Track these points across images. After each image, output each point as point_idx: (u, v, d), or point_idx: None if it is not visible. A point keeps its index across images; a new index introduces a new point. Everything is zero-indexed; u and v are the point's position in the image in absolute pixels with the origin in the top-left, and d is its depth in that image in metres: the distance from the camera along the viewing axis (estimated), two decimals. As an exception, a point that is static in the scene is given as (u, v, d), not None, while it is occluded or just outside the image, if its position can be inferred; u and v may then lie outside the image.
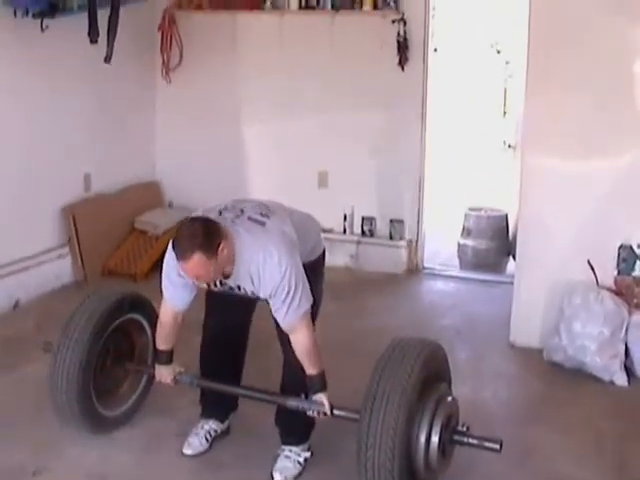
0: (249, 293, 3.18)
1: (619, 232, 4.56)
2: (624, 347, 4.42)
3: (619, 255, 4.55)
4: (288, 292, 3.04)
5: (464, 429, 3.10)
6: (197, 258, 2.89)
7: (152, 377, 3.59)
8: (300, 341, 3.14)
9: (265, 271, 3.03)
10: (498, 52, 11.69)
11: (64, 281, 5.74)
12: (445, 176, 8.82)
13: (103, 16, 5.53)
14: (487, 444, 3.04)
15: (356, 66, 6.18)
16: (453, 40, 9.68)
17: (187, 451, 3.56)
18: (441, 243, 6.99)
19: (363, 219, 6.40)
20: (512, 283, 4.99)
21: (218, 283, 3.18)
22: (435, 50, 6.44)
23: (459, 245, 6.79)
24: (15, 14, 5.06)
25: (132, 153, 6.58)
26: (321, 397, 3.17)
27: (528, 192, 4.75)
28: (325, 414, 3.17)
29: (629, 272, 4.56)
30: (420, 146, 6.18)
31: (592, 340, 4.37)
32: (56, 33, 5.31)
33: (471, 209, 6.85)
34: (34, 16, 5.13)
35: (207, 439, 3.60)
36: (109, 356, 3.57)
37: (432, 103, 6.31)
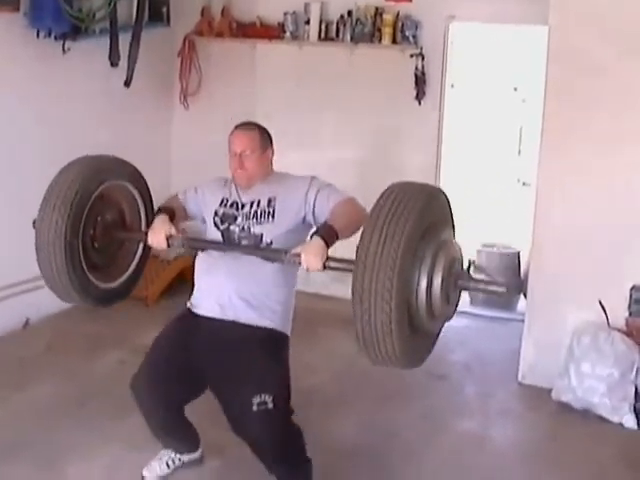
0: (261, 213, 3.23)
1: (631, 273, 4.54)
2: (634, 389, 4.38)
3: (631, 296, 4.53)
4: (321, 186, 3.18)
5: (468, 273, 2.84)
6: (254, 134, 3.36)
7: (147, 245, 3.35)
8: (347, 206, 3.09)
9: (290, 180, 3.28)
10: (515, 90, 11.72)
11: (75, 302, 5.74)
12: (458, 211, 8.77)
13: (124, 40, 5.60)
14: (492, 287, 2.79)
15: (373, 99, 6.20)
16: (470, 76, 9.71)
17: (145, 472, 3.54)
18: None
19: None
20: (523, 321, 4.97)
21: (239, 197, 3.35)
22: (452, 86, 6.46)
23: (470, 281, 6.76)
24: (38, 35, 5.13)
25: (146, 177, 6.55)
26: (315, 239, 2.87)
27: (541, 231, 4.75)
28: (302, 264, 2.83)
29: (641, 314, 4.54)
30: (434, 181, 6.17)
31: (601, 381, 4.35)
32: (77, 55, 5.39)
33: (484, 245, 6.83)
34: (56, 38, 5.21)
35: (168, 465, 3.58)
36: (98, 227, 3.29)
37: (447, 138, 6.32)
